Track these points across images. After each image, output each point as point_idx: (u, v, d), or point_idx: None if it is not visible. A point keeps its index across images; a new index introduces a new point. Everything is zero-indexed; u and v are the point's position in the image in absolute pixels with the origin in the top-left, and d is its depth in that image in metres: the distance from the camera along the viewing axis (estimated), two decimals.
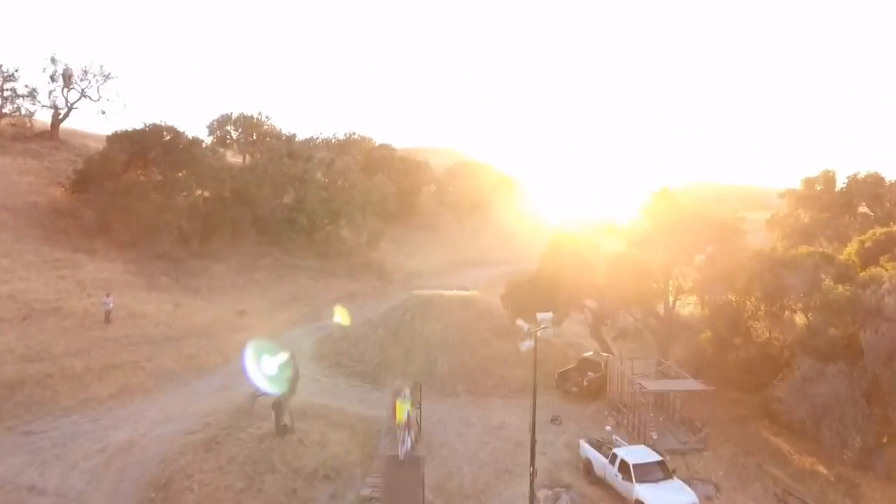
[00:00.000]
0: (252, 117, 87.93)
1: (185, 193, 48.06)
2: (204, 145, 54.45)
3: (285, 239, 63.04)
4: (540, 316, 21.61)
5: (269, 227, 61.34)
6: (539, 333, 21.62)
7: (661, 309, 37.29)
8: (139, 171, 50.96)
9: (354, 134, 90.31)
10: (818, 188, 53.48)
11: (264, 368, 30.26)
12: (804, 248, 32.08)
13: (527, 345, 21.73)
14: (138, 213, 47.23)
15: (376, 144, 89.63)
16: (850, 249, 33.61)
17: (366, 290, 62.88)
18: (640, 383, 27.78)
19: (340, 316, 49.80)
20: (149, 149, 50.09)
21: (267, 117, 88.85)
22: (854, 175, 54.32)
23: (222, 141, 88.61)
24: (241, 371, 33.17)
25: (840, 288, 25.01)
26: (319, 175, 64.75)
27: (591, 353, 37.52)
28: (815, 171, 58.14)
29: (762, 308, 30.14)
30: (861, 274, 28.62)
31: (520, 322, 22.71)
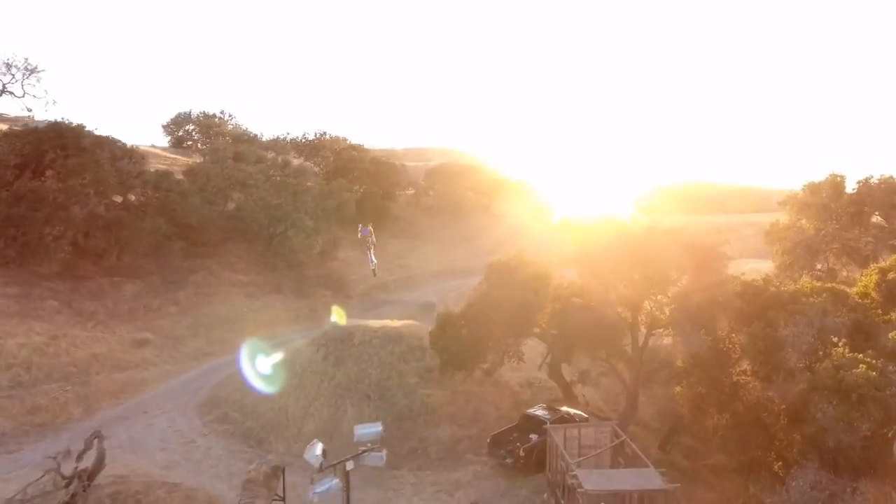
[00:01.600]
0: (213, 116, 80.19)
1: (80, 203, 40.32)
2: (122, 148, 46.55)
3: (225, 251, 55.35)
4: (317, 449, 13.41)
5: (203, 238, 53.62)
6: (359, 462, 13.34)
7: (630, 348, 29.02)
8: (39, 178, 43.31)
9: (325, 134, 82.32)
10: (824, 195, 44.37)
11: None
12: (807, 283, 23.64)
13: (321, 490, 13.44)
14: (25, 227, 39.57)
15: (347, 144, 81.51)
16: (868, 281, 24.99)
17: (315, 308, 54.95)
18: (575, 475, 19.46)
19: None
20: (45, 152, 42.44)
21: (230, 116, 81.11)
22: (866, 180, 45.09)
23: (179, 142, 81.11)
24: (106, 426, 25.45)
25: (862, 367, 16.45)
26: (264, 179, 56.78)
27: (539, 407, 29.18)
28: (820, 175, 48.99)
29: (750, 367, 21.69)
30: (886, 321, 20.25)
31: (311, 452, 14.40)
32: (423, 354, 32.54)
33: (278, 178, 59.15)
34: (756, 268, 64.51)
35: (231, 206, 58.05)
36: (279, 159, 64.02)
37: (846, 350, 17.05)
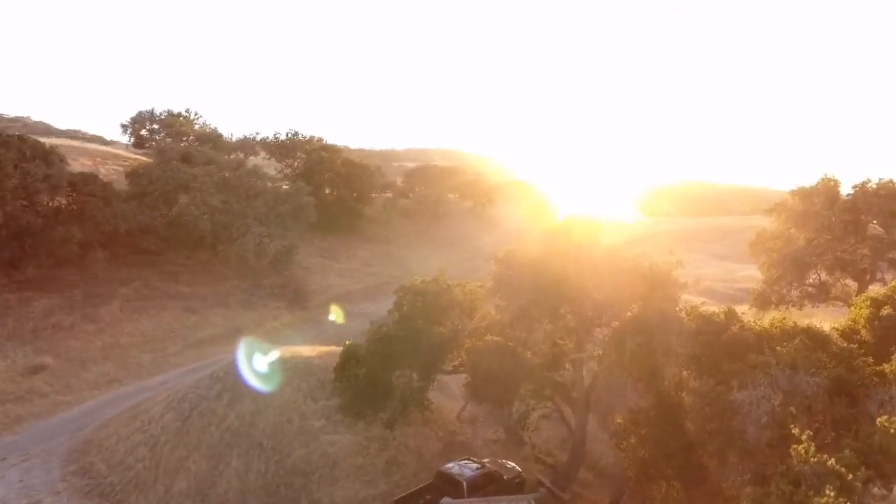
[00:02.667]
0: (178, 115, 75.03)
1: None
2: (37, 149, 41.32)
3: (164, 261, 50.15)
4: None
5: (140, 246, 48.44)
6: None
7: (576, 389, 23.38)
8: None
9: (298, 134, 76.94)
10: (816, 202, 37.80)
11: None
12: (778, 321, 17.80)
13: None
14: None
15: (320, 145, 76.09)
16: (857, 314, 19.10)
17: (263, 322, 49.61)
18: None
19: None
20: None
21: (197, 115, 75.94)
22: (862, 184, 38.46)
23: (140, 142, 76.07)
24: None
25: (828, 497, 10.55)
26: (210, 182, 51.48)
27: (459, 462, 23.50)
28: (812, 178, 41.92)
29: (697, 436, 15.98)
30: (878, 373, 14.67)
31: None
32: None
33: (230, 180, 53.84)
34: (753, 274, 58.57)
35: (175, 211, 52.88)
36: (232, 159, 58.78)
37: (810, 451, 11.38)
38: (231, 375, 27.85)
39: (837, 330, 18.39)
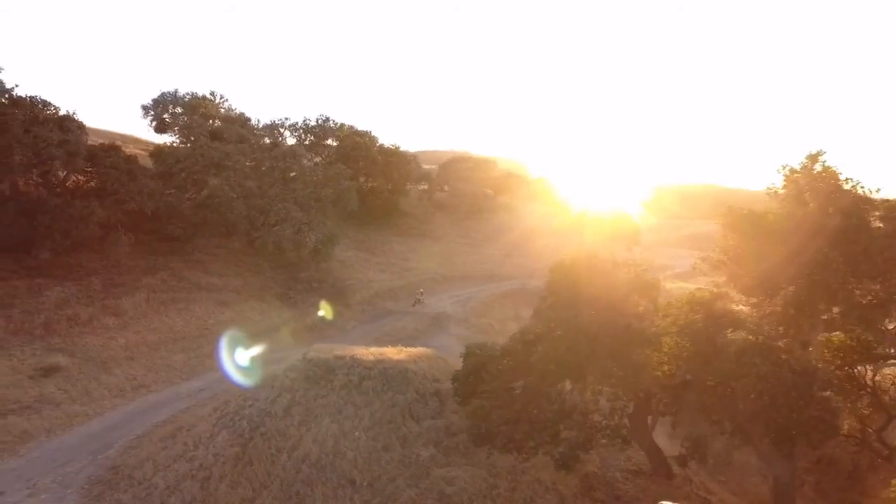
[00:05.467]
0: (202, 97, 67.86)
1: None
2: (55, 113, 34.32)
3: (194, 248, 43.18)
4: None
5: (165, 231, 41.48)
6: None
7: None
8: None
9: (329, 120, 69.84)
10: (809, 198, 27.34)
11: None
12: None
13: None
14: None
15: (352, 130, 69.03)
16: None
17: (303, 319, 42.72)
18: None
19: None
20: None
21: (222, 98, 68.77)
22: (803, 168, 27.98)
23: (162, 126, 68.79)
24: None
25: None
26: (246, 160, 44.60)
27: None
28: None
29: None
30: None
31: None
32: (441, 406, 20.13)
33: (265, 160, 46.96)
34: None
35: (206, 193, 45.99)
36: (266, 140, 51.87)
37: None
38: (299, 384, 20.87)
39: None
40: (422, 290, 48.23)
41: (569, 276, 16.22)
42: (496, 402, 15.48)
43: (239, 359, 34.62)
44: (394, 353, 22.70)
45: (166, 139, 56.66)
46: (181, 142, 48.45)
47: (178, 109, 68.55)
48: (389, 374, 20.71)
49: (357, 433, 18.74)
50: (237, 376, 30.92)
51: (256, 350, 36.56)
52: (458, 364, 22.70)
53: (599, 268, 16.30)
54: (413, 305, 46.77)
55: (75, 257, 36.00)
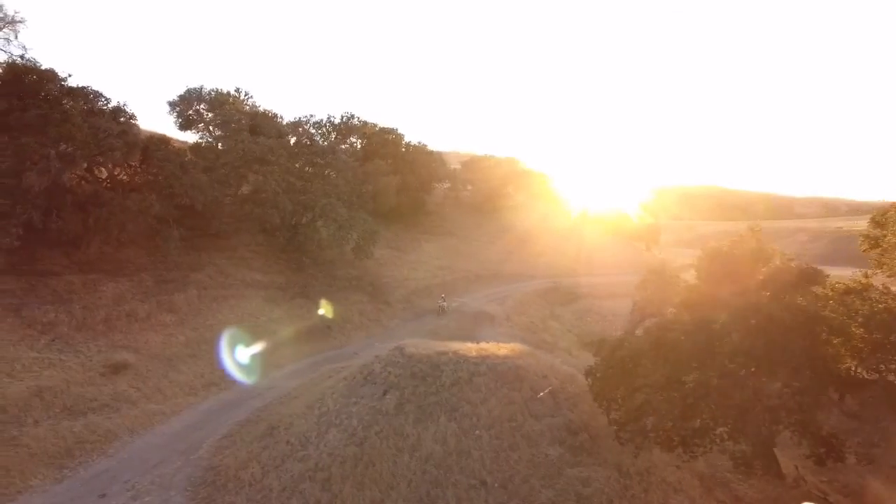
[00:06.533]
0: (227, 94, 66.66)
1: (38, 168, 27.08)
2: (106, 105, 33.10)
3: (239, 243, 42.10)
4: None
5: (210, 226, 40.39)
6: None
7: None
8: None
9: (354, 117, 68.85)
10: None
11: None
12: None
13: None
14: None
15: (379, 128, 68.03)
16: None
17: (350, 317, 41.75)
18: None
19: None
20: None
21: (247, 94, 67.58)
22: None
23: (189, 124, 67.58)
24: None
25: None
26: (289, 156, 43.58)
27: None
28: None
29: None
30: None
31: None
32: (555, 404, 19.25)
33: (301, 157, 45.93)
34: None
35: (246, 189, 44.90)
36: (303, 139, 50.83)
37: None
38: (405, 381, 19.94)
39: None
40: (444, 295, 45.84)
41: (727, 265, 15.40)
42: (662, 396, 14.62)
43: (302, 357, 33.77)
44: (494, 348, 21.81)
45: (190, 136, 55.51)
46: (206, 139, 47.29)
47: (203, 106, 67.30)
48: (500, 371, 19.83)
49: (477, 432, 17.84)
50: (302, 373, 30.16)
51: (312, 346, 35.70)
52: (549, 361, 21.90)
53: (756, 257, 15.49)
54: (438, 315, 43.39)
55: (124, 253, 34.88)
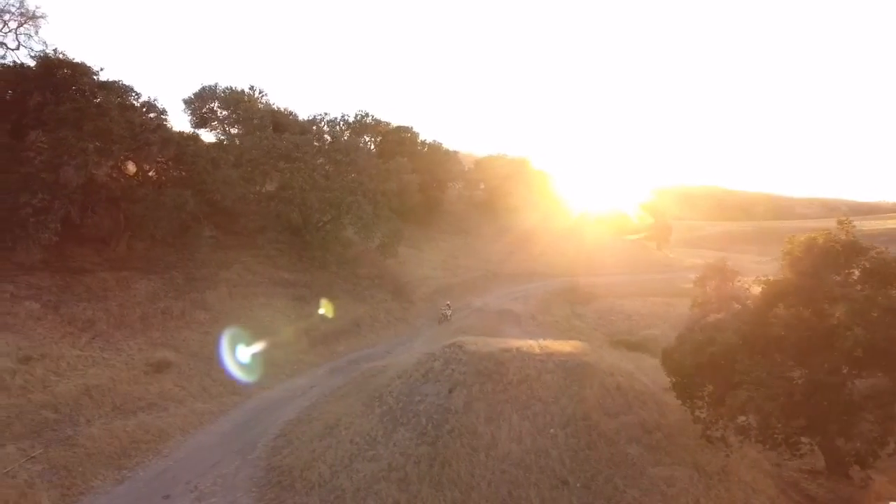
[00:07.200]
0: (241, 92, 66.09)
1: (75, 162, 26.41)
2: (139, 99, 32.45)
3: (264, 241, 41.49)
4: None
5: (239, 223, 39.82)
6: None
7: None
8: (20, 129, 29.49)
9: (368, 116, 68.23)
10: None
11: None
12: None
13: None
14: None
15: (393, 127, 67.43)
16: None
17: (377, 315, 41.24)
18: None
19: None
20: (28, 94, 28.68)
21: (261, 92, 67.00)
22: None
23: (203, 121, 66.94)
24: None
25: None
26: (315, 152, 43.04)
27: None
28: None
29: None
30: None
31: None
32: (625, 401, 18.80)
33: (330, 152, 45.35)
34: None
35: (270, 186, 44.32)
36: (325, 135, 50.26)
37: None
38: (471, 378, 19.45)
39: None
40: (448, 302, 43.86)
41: (825, 257, 15.01)
42: (765, 393, 14.17)
43: (336, 355, 33.25)
44: (557, 345, 21.36)
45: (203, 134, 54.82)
46: (219, 136, 46.69)
47: (216, 104, 66.63)
48: (568, 368, 19.38)
49: (552, 430, 17.38)
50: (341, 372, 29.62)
51: (345, 345, 35.18)
52: (611, 358, 21.50)
53: (852, 249, 15.10)
54: (440, 323, 40.44)
55: (152, 250, 34.26)
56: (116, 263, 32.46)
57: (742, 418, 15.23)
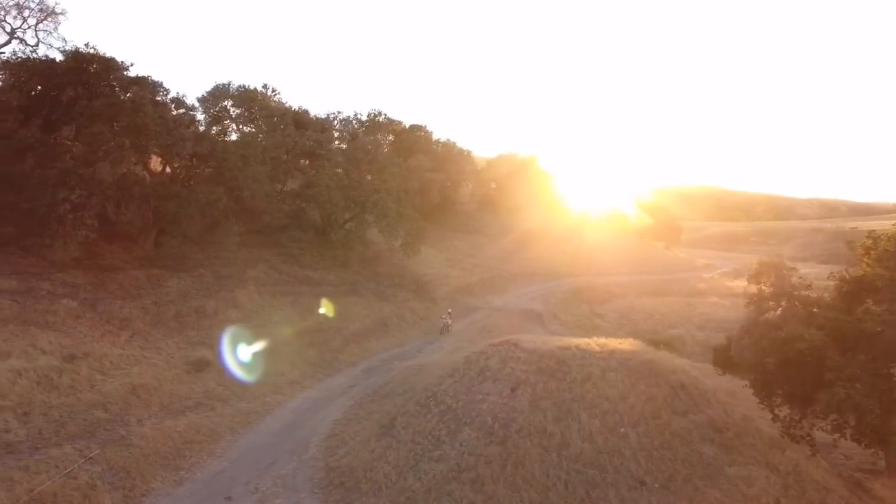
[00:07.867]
0: (255, 90, 65.40)
1: (111, 158, 25.86)
2: (167, 95, 31.91)
3: (288, 239, 41.02)
4: None
5: (263, 221, 39.33)
6: None
7: None
8: (53, 125, 28.98)
9: (381, 115, 67.65)
10: None
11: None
12: None
13: None
14: (31, 191, 25.20)
15: (407, 126, 66.91)
16: None
17: (402, 314, 40.71)
18: None
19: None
20: (61, 90, 28.11)
21: (274, 91, 66.22)
22: None
23: (216, 119, 66.24)
24: None
25: None
26: (339, 150, 42.54)
27: None
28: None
29: None
30: None
31: None
32: (690, 400, 18.43)
33: (352, 151, 44.89)
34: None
35: (293, 184, 43.83)
36: (345, 133, 49.78)
37: None
38: (533, 376, 19.06)
39: None
40: (450, 310, 42.02)
41: None
42: (861, 390, 13.84)
43: (369, 353, 32.77)
44: (615, 343, 21.00)
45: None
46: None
47: (229, 102, 65.94)
48: (631, 366, 19.01)
49: (623, 429, 17.00)
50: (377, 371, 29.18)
51: (376, 344, 34.69)
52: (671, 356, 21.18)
53: None
54: (441, 333, 38.15)
55: (179, 248, 33.70)
56: (145, 261, 31.95)
57: (833, 416, 14.91)
